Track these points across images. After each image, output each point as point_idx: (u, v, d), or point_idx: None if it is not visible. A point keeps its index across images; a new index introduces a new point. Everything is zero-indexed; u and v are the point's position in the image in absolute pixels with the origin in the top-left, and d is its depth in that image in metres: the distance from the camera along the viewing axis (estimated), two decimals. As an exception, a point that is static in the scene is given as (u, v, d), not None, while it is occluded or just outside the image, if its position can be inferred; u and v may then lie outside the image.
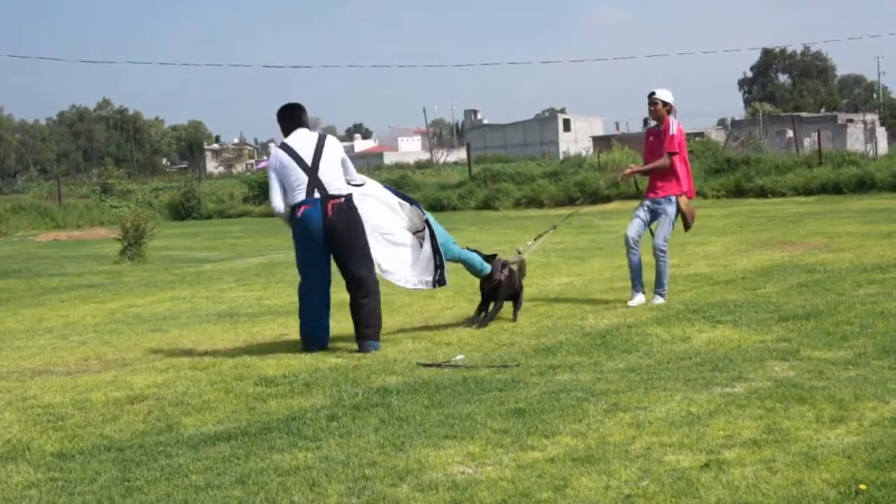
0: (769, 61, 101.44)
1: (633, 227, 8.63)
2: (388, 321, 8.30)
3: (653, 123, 8.83)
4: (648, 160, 8.71)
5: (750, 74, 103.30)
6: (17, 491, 4.24)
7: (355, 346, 7.14)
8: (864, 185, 24.23)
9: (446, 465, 4.23)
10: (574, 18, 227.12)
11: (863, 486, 3.63)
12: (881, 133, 53.99)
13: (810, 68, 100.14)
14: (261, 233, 24.15)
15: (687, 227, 8.70)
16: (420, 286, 7.74)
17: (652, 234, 8.64)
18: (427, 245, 7.70)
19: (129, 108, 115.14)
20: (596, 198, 27.66)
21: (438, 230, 7.84)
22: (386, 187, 8.04)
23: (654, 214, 8.64)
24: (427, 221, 7.74)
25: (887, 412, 4.63)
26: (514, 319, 8.10)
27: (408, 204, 7.87)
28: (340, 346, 7.28)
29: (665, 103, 8.59)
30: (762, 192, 25.42)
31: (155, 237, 17.92)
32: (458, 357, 6.56)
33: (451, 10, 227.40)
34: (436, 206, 30.19)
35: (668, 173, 8.56)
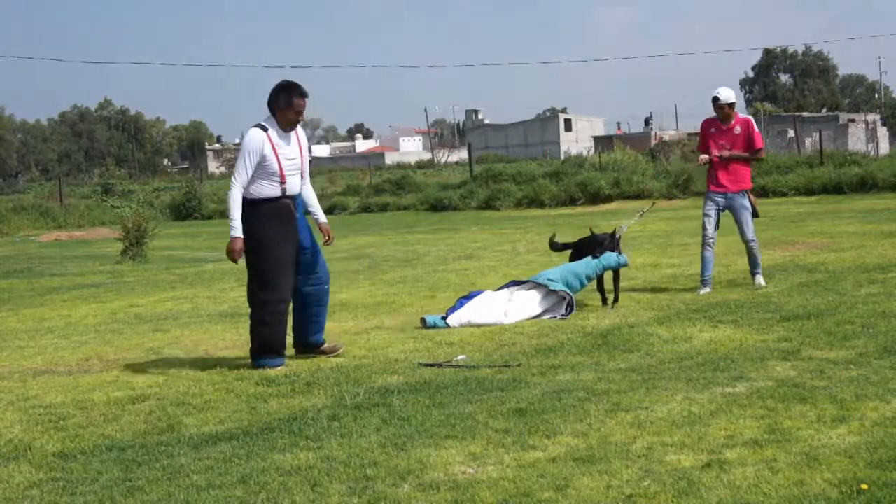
0: (770, 61, 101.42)
1: (712, 226, 9.03)
2: (389, 321, 8.32)
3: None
4: (713, 150, 8.95)
5: (751, 74, 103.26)
6: (19, 491, 4.24)
7: (354, 349, 7.13)
8: (865, 185, 24.20)
9: (447, 464, 4.23)
10: (575, 19, 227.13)
11: (864, 486, 3.63)
12: (882, 133, 54.04)
13: (812, 68, 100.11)
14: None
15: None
16: (548, 316, 8.06)
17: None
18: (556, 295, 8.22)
19: (130, 109, 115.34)
20: (597, 198, 27.70)
21: (564, 278, 8.29)
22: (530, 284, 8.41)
23: (727, 208, 8.99)
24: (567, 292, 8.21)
25: (889, 412, 4.63)
26: (615, 300, 8.53)
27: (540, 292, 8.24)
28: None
29: (731, 104, 8.93)
30: (763, 192, 25.37)
31: (156, 237, 17.93)
32: (460, 357, 6.56)
33: (452, 9, 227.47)
34: (437, 206, 30.22)
35: (743, 168, 8.94)
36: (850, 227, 14.73)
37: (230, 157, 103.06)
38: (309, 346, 6.97)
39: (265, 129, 6.57)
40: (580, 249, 8.95)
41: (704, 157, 9.03)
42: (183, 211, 36.71)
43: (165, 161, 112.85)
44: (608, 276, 8.66)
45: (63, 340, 8.39)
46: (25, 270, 16.36)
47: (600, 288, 8.66)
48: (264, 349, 6.67)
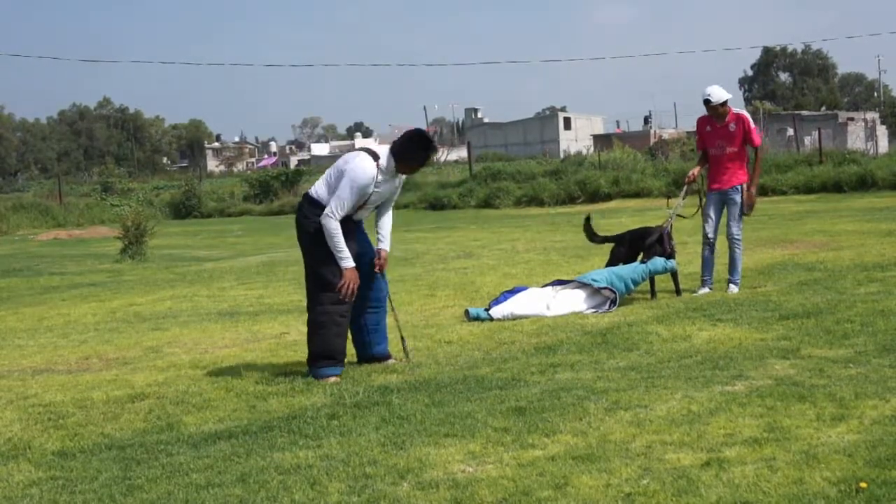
0: (770, 60, 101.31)
1: (711, 225, 8.91)
2: (388, 320, 8.30)
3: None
4: (709, 148, 8.87)
5: (750, 73, 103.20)
6: (19, 489, 4.24)
7: (352, 346, 6.84)
8: (864, 184, 24.20)
9: (447, 463, 4.23)
10: (574, 18, 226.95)
11: (863, 485, 3.63)
12: (882, 131, 54.01)
13: (811, 67, 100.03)
14: (261, 231, 24.15)
15: (744, 214, 8.91)
16: (591, 311, 8.12)
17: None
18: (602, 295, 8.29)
19: (129, 107, 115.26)
20: (596, 196, 27.71)
21: (609, 280, 8.30)
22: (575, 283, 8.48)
23: (723, 204, 8.88)
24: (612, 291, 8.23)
25: (888, 410, 4.63)
26: (678, 293, 8.71)
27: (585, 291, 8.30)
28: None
29: (724, 103, 8.74)
30: (762, 191, 25.22)
31: (155, 236, 17.94)
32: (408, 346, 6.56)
33: (451, 8, 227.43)
34: (436, 205, 30.23)
35: (737, 163, 8.79)
36: (849, 225, 14.74)
37: (229, 155, 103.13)
38: (373, 358, 6.51)
39: (376, 161, 6.15)
40: (630, 242, 9.03)
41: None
42: (182, 210, 36.73)
43: (165, 160, 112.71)
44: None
45: (62, 339, 8.39)
46: (25, 269, 16.36)
47: (651, 280, 8.71)
48: (320, 354, 6.15)
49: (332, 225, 6.05)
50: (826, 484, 3.69)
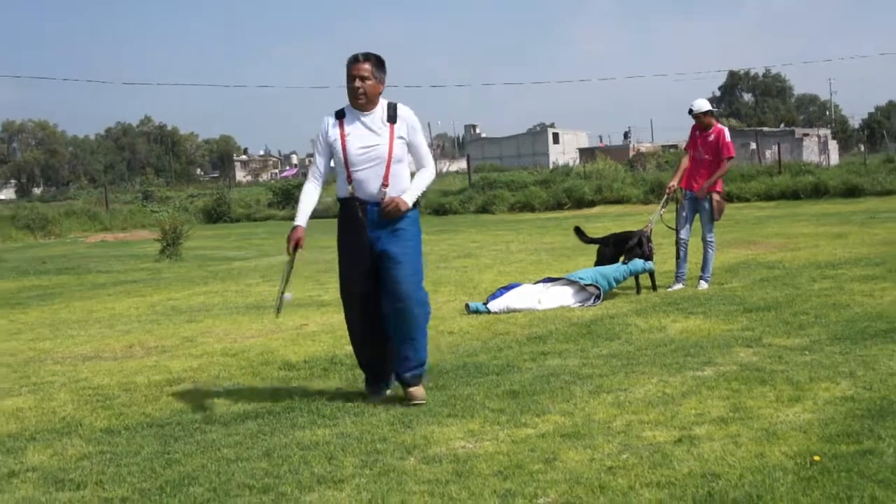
0: (735, 82, 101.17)
1: (685, 229, 8.88)
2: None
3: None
4: (692, 150, 8.83)
5: (718, 93, 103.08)
6: (72, 462, 4.25)
7: None
8: (818, 192, 24.22)
9: (449, 440, 4.23)
10: (563, 43, 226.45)
11: (817, 458, 3.64)
12: (833, 146, 53.95)
13: (771, 88, 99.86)
14: (284, 234, 24.04)
15: (714, 219, 8.88)
16: (577, 305, 8.10)
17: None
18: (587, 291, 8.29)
19: (167, 124, 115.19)
20: (581, 203, 27.71)
21: (594, 278, 8.30)
22: (564, 280, 8.48)
23: (695, 210, 8.85)
24: (597, 287, 8.22)
25: (838, 392, 4.64)
26: (654, 289, 8.70)
27: (573, 287, 8.29)
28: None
29: (706, 113, 8.69)
30: (728, 198, 25.08)
31: (190, 238, 17.93)
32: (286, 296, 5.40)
33: (452, 33, 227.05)
34: (439, 211, 30.19)
35: (710, 171, 8.72)
36: (805, 228, 14.74)
37: (255, 166, 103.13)
38: (398, 378, 5.15)
39: (341, 115, 4.89)
40: (615, 244, 9.07)
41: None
42: (214, 215, 36.66)
43: (198, 171, 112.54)
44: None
45: (109, 330, 8.39)
46: (75, 268, 16.36)
47: (636, 278, 8.73)
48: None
49: (304, 185, 5.08)
50: (784, 457, 3.70)
